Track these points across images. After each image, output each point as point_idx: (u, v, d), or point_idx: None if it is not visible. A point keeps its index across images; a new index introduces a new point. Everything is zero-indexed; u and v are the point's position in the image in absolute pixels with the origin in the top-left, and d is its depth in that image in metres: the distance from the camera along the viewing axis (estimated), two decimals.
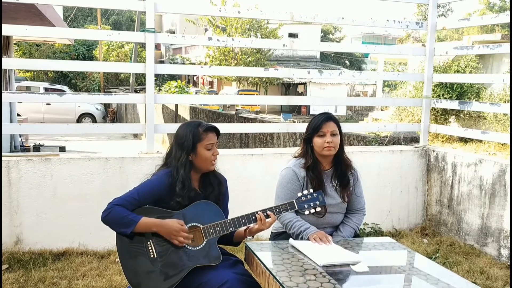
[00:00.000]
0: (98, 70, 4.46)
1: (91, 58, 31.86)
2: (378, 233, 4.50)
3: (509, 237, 3.89)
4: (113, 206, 2.18)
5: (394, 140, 5.29)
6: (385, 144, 5.30)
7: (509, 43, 4.02)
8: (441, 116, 10.66)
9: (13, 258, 3.59)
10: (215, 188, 2.40)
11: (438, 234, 4.61)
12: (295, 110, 27.35)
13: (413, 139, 5.26)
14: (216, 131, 2.40)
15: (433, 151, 4.71)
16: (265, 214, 2.33)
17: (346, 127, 6.01)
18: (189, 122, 2.44)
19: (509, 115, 7.05)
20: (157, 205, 2.28)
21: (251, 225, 2.37)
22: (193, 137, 2.32)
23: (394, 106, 10.63)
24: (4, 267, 3.47)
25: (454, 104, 4.95)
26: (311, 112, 26.63)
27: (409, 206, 4.74)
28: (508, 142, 4.34)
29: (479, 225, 4.19)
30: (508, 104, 4.38)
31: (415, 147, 4.83)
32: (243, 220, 2.30)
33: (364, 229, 4.48)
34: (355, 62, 43.19)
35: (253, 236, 2.42)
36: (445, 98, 10.03)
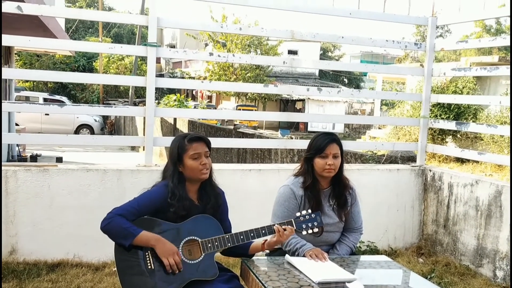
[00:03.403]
0: (100, 82, 4.49)
1: (91, 69, 32.02)
2: (374, 251, 4.50)
3: (506, 258, 3.89)
4: (114, 216, 2.19)
5: (391, 159, 5.32)
6: (382, 163, 5.33)
7: (507, 65, 4.08)
8: (438, 136, 10.73)
9: (7, 268, 3.56)
10: (211, 199, 2.41)
11: (434, 254, 4.61)
12: (293, 126, 27.44)
13: (410, 158, 5.29)
14: (203, 140, 2.40)
15: (430, 170, 4.73)
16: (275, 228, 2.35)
17: (345, 145, 6.06)
18: (178, 135, 2.47)
19: (505, 137, 7.11)
20: (156, 216, 2.29)
21: (269, 238, 2.38)
22: (178, 148, 2.35)
23: (392, 125, 10.69)
24: None
25: (451, 125, 4.98)
26: (309, 129, 26.72)
27: (405, 225, 4.75)
28: (504, 163, 4.37)
29: (474, 245, 4.20)
30: (505, 126, 4.42)
31: (412, 166, 4.86)
32: (241, 237, 2.31)
33: (360, 247, 4.47)
34: (353, 80, 43.50)
35: (269, 250, 2.42)
36: (443, 118, 10.12)
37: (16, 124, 13.38)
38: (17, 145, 11.31)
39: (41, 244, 3.72)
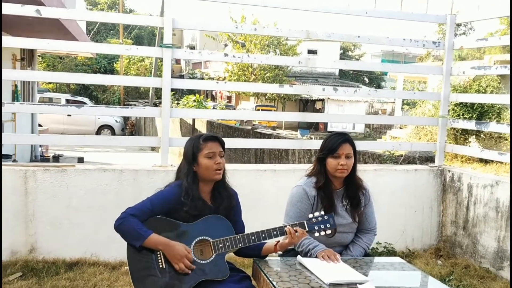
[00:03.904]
0: (116, 83, 4.55)
1: (112, 71, 32.45)
2: (391, 253, 4.44)
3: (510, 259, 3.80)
4: (127, 216, 2.22)
5: (409, 159, 5.24)
6: (400, 163, 5.26)
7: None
8: (461, 135, 10.51)
9: (27, 266, 3.64)
10: (224, 201, 2.41)
11: (453, 256, 4.53)
12: (312, 127, 27.31)
13: (428, 159, 5.21)
14: (218, 140, 2.42)
15: (449, 171, 4.65)
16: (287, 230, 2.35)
17: (362, 145, 5.99)
18: (193, 135, 2.49)
19: None
20: (169, 215, 2.31)
21: (281, 239, 2.38)
22: (193, 148, 2.37)
23: (410, 125, 10.51)
24: (17, 275, 3.53)
25: (470, 125, 4.88)
26: (329, 129, 26.55)
27: (423, 226, 4.68)
28: None
29: (495, 248, 4.11)
30: None
31: (430, 166, 4.78)
32: (253, 237, 2.31)
33: (377, 248, 4.43)
34: (374, 79, 43.01)
35: (282, 251, 2.41)
36: (465, 117, 9.92)
37: (40, 125, 13.66)
38: (40, 146, 11.56)
39: (60, 243, 3.79)
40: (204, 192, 2.40)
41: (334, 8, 4.31)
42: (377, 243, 4.44)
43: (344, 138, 2.64)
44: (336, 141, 2.62)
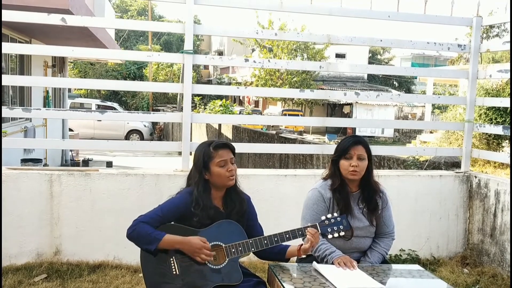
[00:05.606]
0: (138, 89, 4.62)
1: (141, 76, 32.99)
2: (415, 260, 4.35)
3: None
4: (138, 223, 2.25)
5: (435, 165, 5.13)
6: (425, 169, 5.15)
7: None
8: (494, 140, 10.21)
9: (52, 268, 3.74)
10: (236, 206, 2.41)
11: (480, 264, 4.40)
12: (340, 131, 27.08)
13: (454, 164, 5.09)
14: (229, 147, 2.41)
15: (475, 177, 4.53)
16: (300, 232, 2.33)
17: (385, 150, 5.91)
18: (203, 142, 2.49)
19: None
20: (180, 222, 2.33)
21: (292, 243, 2.38)
22: (204, 156, 2.36)
23: (436, 129, 10.26)
24: (42, 276, 3.62)
25: (497, 129, 4.74)
26: (357, 133, 26.27)
27: (448, 233, 4.56)
28: None
29: None
30: None
31: (456, 172, 4.66)
32: (265, 241, 2.31)
33: (400, 255, 4.35)
34: (404, 83, 42.30)
35: (306, 255, 2.39)
36: (498, 121, 9.64)
37: (71, 130, 14.03)
38: (70, 150, 11.86)
39: (83, 246, 3.87)
40: (216, 198, 2.41)
41: (355, 12, 4.27)
42: (400, 249, 4.36)
43: (356, 139, 2.66)
44: (348, 142, 2.64)
